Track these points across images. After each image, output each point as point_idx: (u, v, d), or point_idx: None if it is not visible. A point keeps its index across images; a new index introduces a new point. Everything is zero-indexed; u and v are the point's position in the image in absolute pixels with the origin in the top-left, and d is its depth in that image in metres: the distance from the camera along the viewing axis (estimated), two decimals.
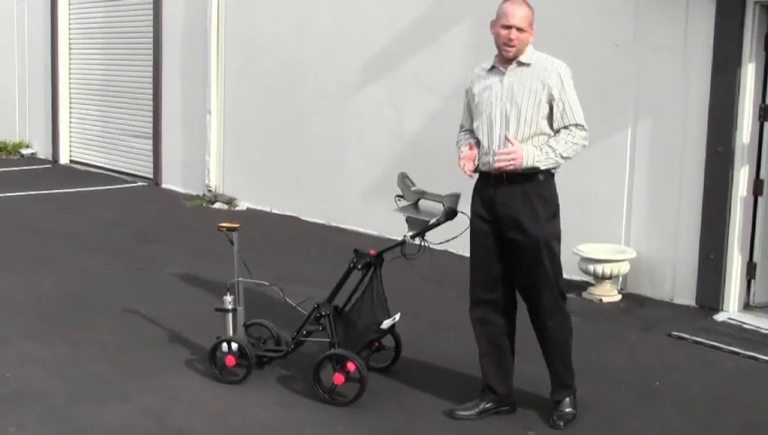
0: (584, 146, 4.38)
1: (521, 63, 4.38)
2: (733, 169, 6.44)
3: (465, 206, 4.72)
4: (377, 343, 5.07)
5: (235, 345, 4.94)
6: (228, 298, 5.02)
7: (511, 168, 4.28)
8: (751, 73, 6.35)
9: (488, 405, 4.61)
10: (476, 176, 4.55)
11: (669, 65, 6.71)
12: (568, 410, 4.55)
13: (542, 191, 4.38)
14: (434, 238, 4.72)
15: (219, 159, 11.08)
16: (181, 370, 5.17)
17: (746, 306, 6.62)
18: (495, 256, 4.47)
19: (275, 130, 10.29)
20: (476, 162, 4.47)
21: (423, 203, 4.81)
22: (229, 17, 10.75)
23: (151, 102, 12.19)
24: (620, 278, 6.98)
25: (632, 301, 6.84)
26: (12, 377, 4.99)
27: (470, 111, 4.61)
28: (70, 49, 13.99)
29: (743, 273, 6.57)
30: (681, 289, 6.75)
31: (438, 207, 4.66)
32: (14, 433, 4.30)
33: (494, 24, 4.41)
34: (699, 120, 6.55)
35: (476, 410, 4.60)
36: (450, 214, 4.60)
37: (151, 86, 12.14)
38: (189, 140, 11.55)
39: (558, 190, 4.49)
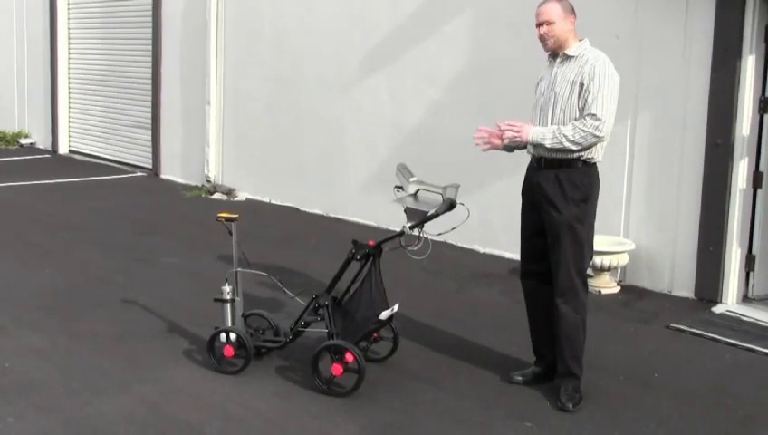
0: (595, 135, 4.49)
1: (566, 56, 4.66)
2: (732, 162, 6.43)
3: (463, 197, 4.73)
4: (375, 334, 5.07)
5: (233, 336, 4.94)
6: (227, 289, 5.02)
7: (516, 139, 4.64)
8: (751, 65, 6.34)
9: (539, 370, 4.93)
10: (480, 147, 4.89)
11: (669, 57, 6.69)
12: (576, 393, 4.63)
13: (575, 177, 4.60)
14: (433, 229, 4.72)
15: (218, 150, 11.08)
16: (180, 360, 5.17)
17: (745, 299, 6.63)
18: (536, 232, 4.76)
19: (275, 121, 10.28)
20: (504, 142, 4.79)
21: (422, 194, 4.81)
22: (229, 7, 10.73)
23: (150, 93, 12.18)
24: (619, 270, 6.99)
25: (631, 293, 6.85)
26: (11, 368, 4.99)
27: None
28: (69, 38, 13.97)
29: (741, 265, 6.58)
30: (680, 281, 6.76)
31: (437, 199, 4.67)
32: (13, 423, 4.30)
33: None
34: (699, 113, 6.55)
35: (530, 375, 4.93)
36: (450, 205, 4.61)
37: (150, 76, 12.13)
38: (189, 131, 11.55)
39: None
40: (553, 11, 4.61)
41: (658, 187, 6.85)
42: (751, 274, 6.64)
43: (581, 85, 4.53)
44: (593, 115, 4.47)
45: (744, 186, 6.48)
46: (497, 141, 4.79)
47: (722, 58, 6.38)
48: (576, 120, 4.54)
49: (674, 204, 6.75)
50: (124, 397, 4.64)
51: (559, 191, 4.58)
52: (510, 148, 4.88)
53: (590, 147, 4.54)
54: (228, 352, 4.94)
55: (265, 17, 10.27)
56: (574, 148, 4.51)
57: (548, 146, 4.53)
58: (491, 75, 7.92)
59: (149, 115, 12.26)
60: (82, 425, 4.31)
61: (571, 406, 4.57)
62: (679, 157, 6.69)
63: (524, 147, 4.80)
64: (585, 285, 4.72)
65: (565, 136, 4.49)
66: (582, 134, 4.47)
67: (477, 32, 8.08)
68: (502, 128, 4.67)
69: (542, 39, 4.66)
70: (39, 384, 4.77)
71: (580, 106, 4.53)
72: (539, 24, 4.64)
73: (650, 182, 6.89)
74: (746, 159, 6.45)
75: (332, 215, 9.55)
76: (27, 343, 5.41)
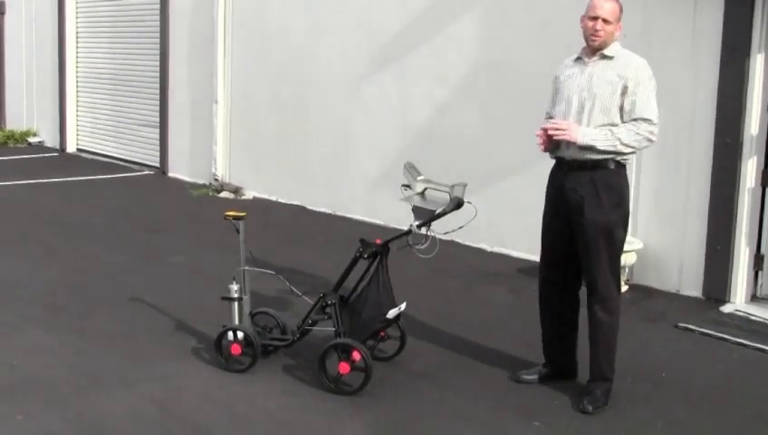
0: (650, 140, 4.48)
1: (603, 56, 4.57)
2: (741, 160, 6.41)
3: (471, 196, 4.72)
4: (382, 333, 5.06)
5: (240, 334, 4.95)
6: (234, 287, 5.02)
7: (564, 139, 4.47)
8: (760, 64, 6.32)
9: (546, 371, 4.92)
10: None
11: (678, 55, 6.67)
12: (601, 397, 4.61)
13: (609, 180, 4.51)
14: (440, 228, 4.72)
15: (226, 149, 11.09)
16: (187, 358, 5.18)
17: (753, 298, 6.61)
18: (562, 238, 4.66)
19: (282, 120, 10.28)
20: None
21: (429, 193, 4.81)
22: (237, 6, 10.74)
23: (158, 91, 12.20)
24: (627, 269, 6.96)
25: (639, 292, 6.83)
26: (19, 365, 5.00)
27: (554, 97, 4.78)
28: (77, 38, 14.01)
29: (750, 264, 6.55)
30: (688, 280, 6.74)
31: (445, 197, 4.66)
32: (22, 421, 4.31)
33: (583, 18, 4.60)
34: (707, 111, 6.53)
35: (538, 375, 4.91)
36: (457, 204, 4.60)
37: (158, 75, 12.15)
38: (196, 129, 11.56)
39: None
40: (614, 12, 4.52)
41: (667, 185, 6.83)
42: (759, 273, 6.61)
43: (624, 87, 4.45)
44: (648, 120, 4.44)
45: (753, 184, 6.45)
46: (550, 143, 4.65)
47: (730, 56, 6.36)
48: (620, 123, 4.45)
49: (682, 203, 6.73)
50: (131, 394, 4.65)
51: (595, 195, 4.48)
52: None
53: (640, 150, 4.54)
54: (236, 350, 4.94)
55: (273, 16, 10.28)
56: (627, 151, 4.46)
57: (600, 148, 4.43)
58: (498, 74, 7.90)
59: (157, 114, 12.28)
60: (90, 422, 4.32)
61: (590, 409, 4.53)
62: (688, 155, 6.67)
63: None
64: (619, 288, 4.64)
65: (620, 139, 4.42)
66: (638, 138, 4.44)
67: (485, 31, 8.07)
68: (546, 127, 4.54)
69: (593, 34, 4.50)
70: (47, 382, 4.78)
71: (627, 108, 4.44)
72: (594, 18, 4.50)
73: (658, 181, 6.87)
74: (755, 157, 6.43)
75: (339, 213, 9.55)
76: (35, 341, 5.42)
